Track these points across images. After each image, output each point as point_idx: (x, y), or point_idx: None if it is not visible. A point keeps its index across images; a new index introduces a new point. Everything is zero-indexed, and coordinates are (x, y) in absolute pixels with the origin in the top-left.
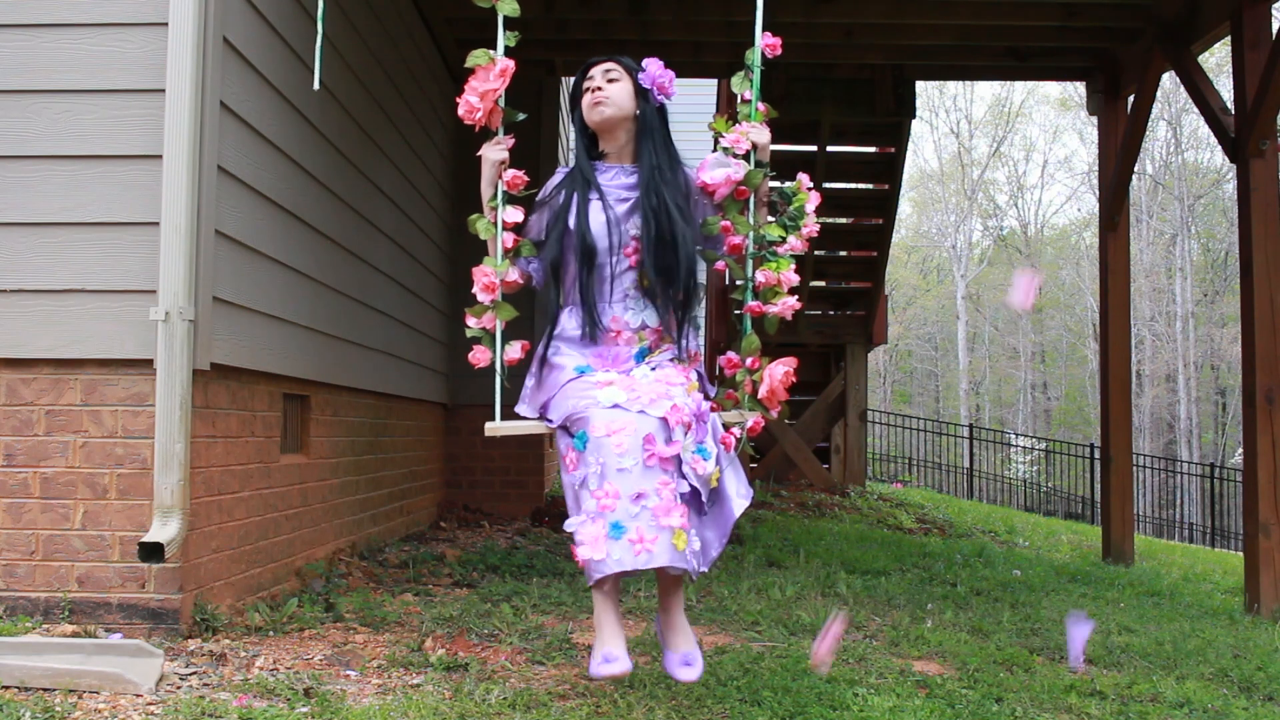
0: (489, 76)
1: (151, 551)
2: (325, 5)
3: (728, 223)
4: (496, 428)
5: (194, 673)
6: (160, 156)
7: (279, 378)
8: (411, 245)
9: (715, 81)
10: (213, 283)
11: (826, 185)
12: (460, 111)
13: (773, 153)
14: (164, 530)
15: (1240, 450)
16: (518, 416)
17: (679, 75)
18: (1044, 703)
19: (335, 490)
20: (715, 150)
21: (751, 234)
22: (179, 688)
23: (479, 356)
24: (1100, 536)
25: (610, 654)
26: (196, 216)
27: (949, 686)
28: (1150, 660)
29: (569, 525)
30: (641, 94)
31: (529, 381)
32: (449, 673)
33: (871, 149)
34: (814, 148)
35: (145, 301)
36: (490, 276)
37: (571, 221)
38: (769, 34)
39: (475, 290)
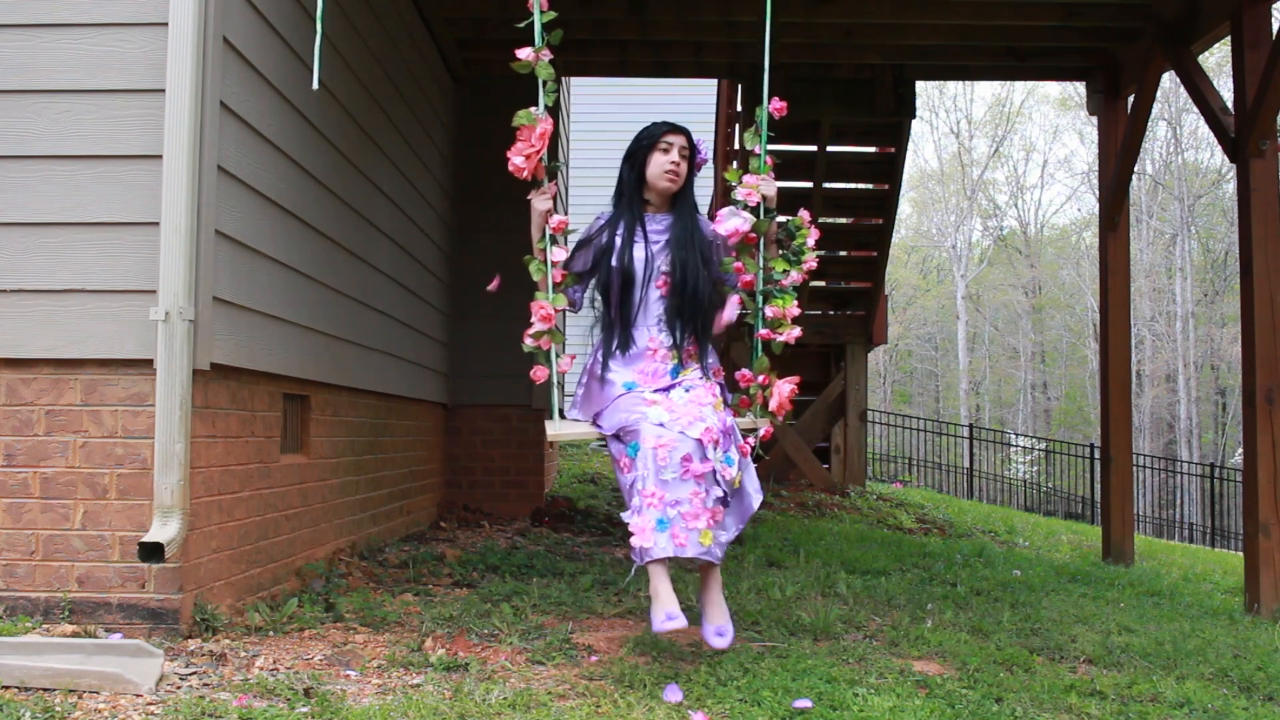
0: (531, 138)
1: (151, 551)
2: (325, 5)
3: (740, 264)
4: (557, 434)
5: (194, 673)
6: (160, 156)
7: (279, 378)
8: (411, 245)
9: (715, 81)
10: (213, 283)
11: (826, 185)
12: (510, 169)
13: (774, 153)
14: (164, 530)
15: (1240, 450)
16: (568, 419)
17: (679, 75)
18: (1044, 703)
19: (335, 490)
20: (733, 196)
21: (760, 273)
22: (179, 688)
23: (539, 374)
24: (1100, 536)
25: (671, 613)
26: (196, 216)
27: (949, 686)
28: (1150, 660)
29: (626, 517)
30: (690, 167)
31: (578, 391)
32: (449, 673)
33: (871, 149)
34: (814, 148)
35: (145, 301)
36: (547, 309)
37: (615, 260)
38: (776, 99)
39: (534, 319)
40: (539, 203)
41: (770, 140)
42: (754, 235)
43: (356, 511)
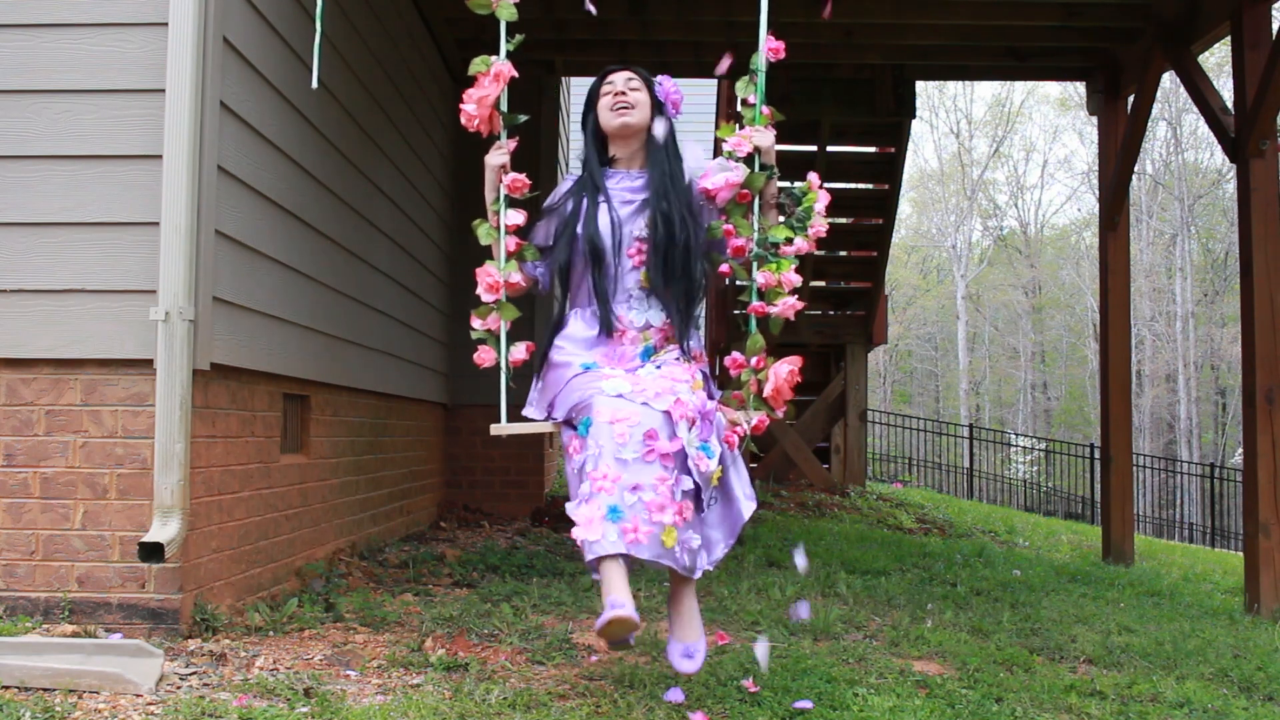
0: (484, 83)
1: (151, 551)
2: (325, 5)
3: (730, 226)
4: (502, 428)
5: (194, 673)
6: (160, 156)
7: (279, 378)
8: (411, 245)
9: (715, 81)
10: (213, 283)
11: (826, 185)
12: (462, 120)
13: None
14: (164, 530)
15: (1240, 450)
16: (522, 418)
17: (679, 75)
18: (1044, 703)
19: (335, 490)
20: (717, 155)
21: (755, 236)
22: (179, 688)
23: (484, 357)
24: (1100, 536)
25: (616, 600)
26: (196, 216)
27: (949, 686)
28: (1150, 660)
29: (569, 508)
30: (656, 106)
31: (535, 384)
32: (449, 673)
33: (871, 149)
34: (814, 148)
35: (145, 301)
36: (494, 276)
37: (579, 227)
38: (772, 37)
39: (479, 291)
40: (493, 158)
41: (775, 144)
42: (747, 192)
43: (356, 511)
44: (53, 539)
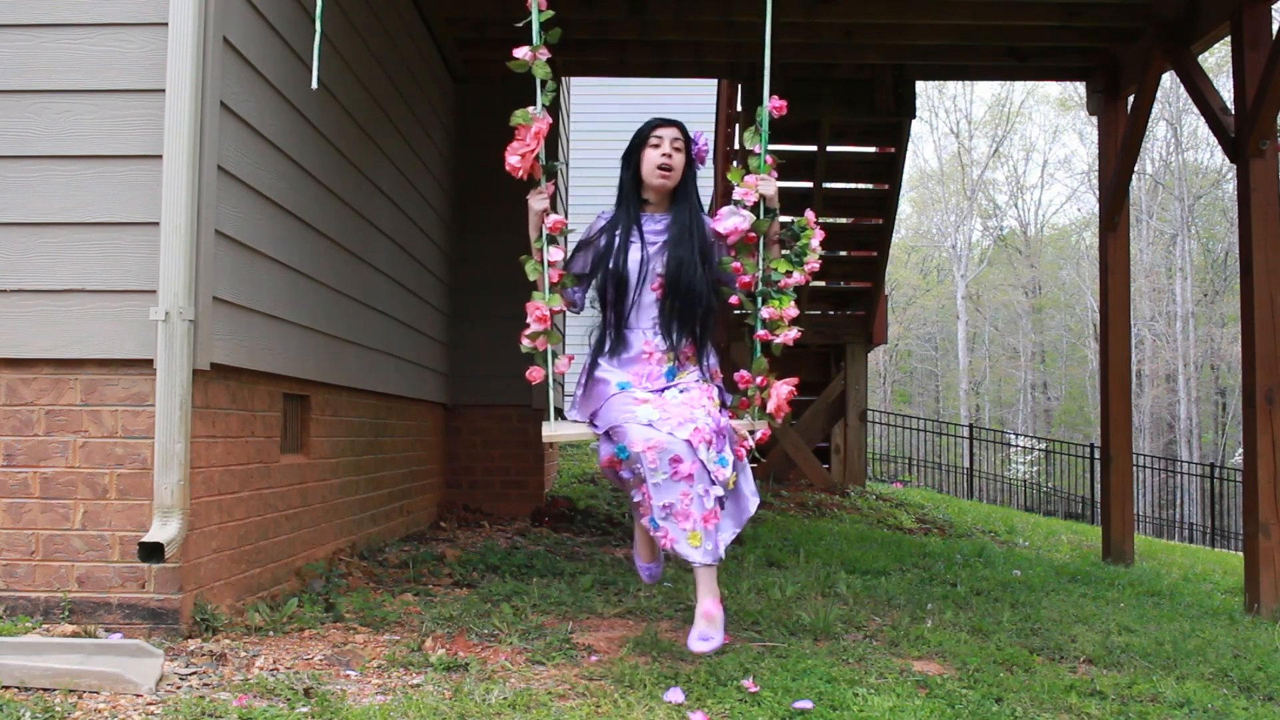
0: (526, 137)
1: (151, 551)
2: (324, 5)
3: (739, 264)
4: (553, 434)
5: (194, 673)
6: (160, 156)
7: (279, 378)
8: (411, 245)
9: (715, 81)
10: (213, 283)
11: (826, 185)
12: (506, 168)
13: (775, 153)
14: (164, 530)
15: (1240, 450)
16: (563, 418)
17: (679, 76)
18: (1044, 703)
19: (335, 490)
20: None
21: (760, 274)
22: (179, 688)
23: (534, 374)
24: (1100, 536)
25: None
26: (196, 216)
27: (949, 686)
28: (1150, 660)
29: (635, 496)
30: (688, 161)
31: (577, 392)
32: (449, 673)
33: (871, 149)
34: (814, 148)
35: (145, 301)
36: (542, 309)
37: (610, 263)
38: (775, 97)
39: (529, 320)
40: (535, 202)
41: (770, 140)
42: (753, 235)
43: (356, 511)
44: (53, 539)
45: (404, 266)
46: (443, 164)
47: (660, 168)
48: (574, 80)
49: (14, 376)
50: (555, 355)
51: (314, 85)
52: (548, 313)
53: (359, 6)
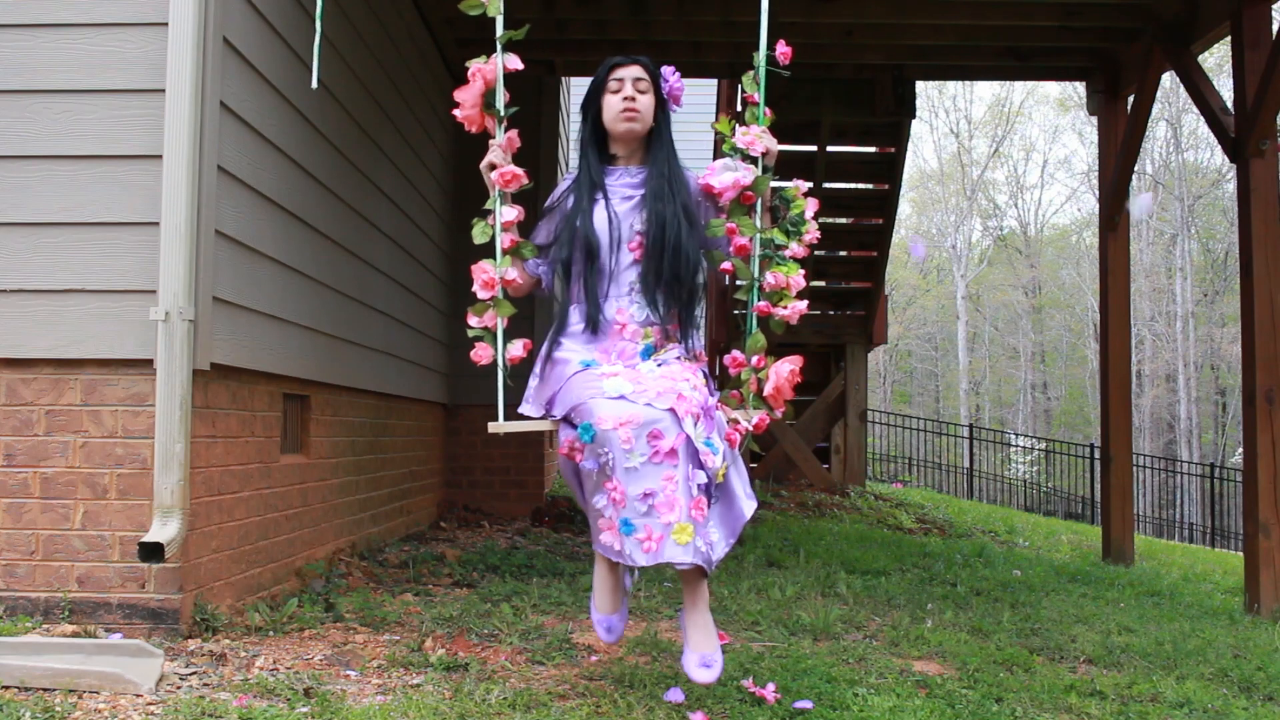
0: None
1: (151, 551)
2: (324, 5)
3: (733, 225)
4: (500, 426)
5: (194, 673)
6: (160, 156)
7: (279, 378)
8: (411, 245)
9: (715, 81)
10: (213, 283)
11: (826, 185)
12: (458, 119)
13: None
14: (164, 530)
15: (1240, 450)
16: (520, 416)
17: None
18: (1044, 703)
19: (335, 490)
20: (725, 149)
21: (759, 237)
22: (179, 688)
23: (481, 354)
24: (1100, 536)
25: (607, 622)
26: (196, 216)
27: (949, 686)
28: (1150, 660)
29: (588, 503)
30: (660, 103)
31: (532, 381)
32: (449, 673)
33: (871, 149)
34: (814, 148)
35: (145, 301)
36: (489, 273)
37: (577, 222)
38: (783, 42)
39: (475, 288)
40: (489, 155)
41: (777, 147)
42: (751, 194)
43: (356, 511)
44: (53, 539)
45: (404, 266)
46: (443, 164)
47: (625, 112)
48: (574, 80)
49: (14, 376)
50: (508, 338)
51: (314, 85)
52: (496, 277)
53: (359, 6)
